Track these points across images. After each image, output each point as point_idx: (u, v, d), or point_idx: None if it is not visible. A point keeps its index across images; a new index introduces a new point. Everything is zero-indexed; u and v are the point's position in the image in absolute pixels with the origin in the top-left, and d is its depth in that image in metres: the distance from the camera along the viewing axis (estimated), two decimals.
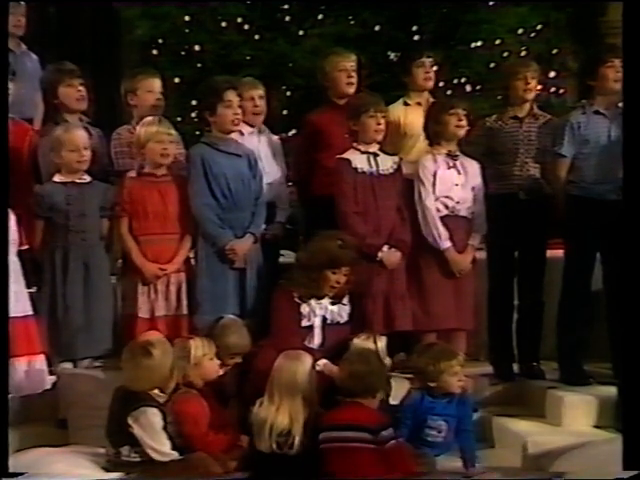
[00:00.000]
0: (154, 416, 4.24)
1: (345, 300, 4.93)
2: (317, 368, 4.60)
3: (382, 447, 4.22)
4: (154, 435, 4.22)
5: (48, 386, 4.61)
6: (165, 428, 4.25)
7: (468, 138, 5.32)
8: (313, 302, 4.86)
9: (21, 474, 4.15)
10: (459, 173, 5.27)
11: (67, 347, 4.89)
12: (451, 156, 5.27)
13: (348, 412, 4.30)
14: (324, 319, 4.87)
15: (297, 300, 4.84)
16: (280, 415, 4.30)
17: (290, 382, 4.35)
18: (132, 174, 5.17)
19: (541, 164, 5.43)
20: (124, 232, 5.07)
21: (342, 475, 4.17)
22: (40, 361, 4.54)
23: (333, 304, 4.90)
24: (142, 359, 4.28)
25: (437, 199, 5.22)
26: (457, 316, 5.20)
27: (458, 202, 5.24)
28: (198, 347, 4.51)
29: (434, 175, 5.22)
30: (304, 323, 4.84)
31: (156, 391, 4.35)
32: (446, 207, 5.23)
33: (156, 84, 5.45)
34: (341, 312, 4.91)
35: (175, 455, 4.24)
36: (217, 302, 5.02)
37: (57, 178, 4.99)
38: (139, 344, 4.39)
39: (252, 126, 5.49)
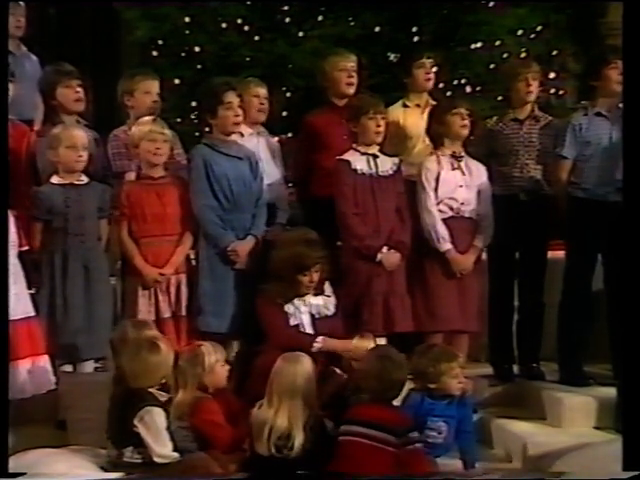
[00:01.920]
0: (159, 416, 4.23)
1: (328, 291, 4.93)
2: (316, 347, 4.69)
3: (401, 450, 4.21)
4: (157, 435, 4.21)
5: (52, 386, 4.60)
6: (168, 428, 4.25)
7: (469, 139, 5.31)
8: (296, 301, 4.86)
9: (21, 474, 4.16)
10: (463, 174, 5.27)
11: (67, 349, 4.87)
12: (455, 157, 5.27)
13: (374, 410, 4.28)
14: (312, 315, 4.87)
15: (282, 303, 4.85)
16: (279, 418, 4.28)
17: (289, 384, 4.33)
18: (130, 177, 5.18)
19: (542, 165, 5.43)
20: (124, 236, 5.06)
21: (353, 470, 4.16)
22: (44, 361, 4.54)
23: (316, 295, 4.90)
24: (149, 354, 4.27)
25: (441, 201, 5.22)
26: (462, 318, 5.20)
27: (462, 203, 5.24)
28: (210, 353, 4.52)
29: (437, 177, 5.22)
30: (292, 322, 4.84)
31: (158, 392, 4.35)
32: (451, 208, 5.23)
33: (154, 85, 5.44)
34: (327, 304, 4.92)
35: (176, 457, 4.24)
36: (218, 303, 5.03)
37: (55, 180, 4.97)
38: (145, 339, 4.36)
39: (254, 124, 5.49)
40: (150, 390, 4.30)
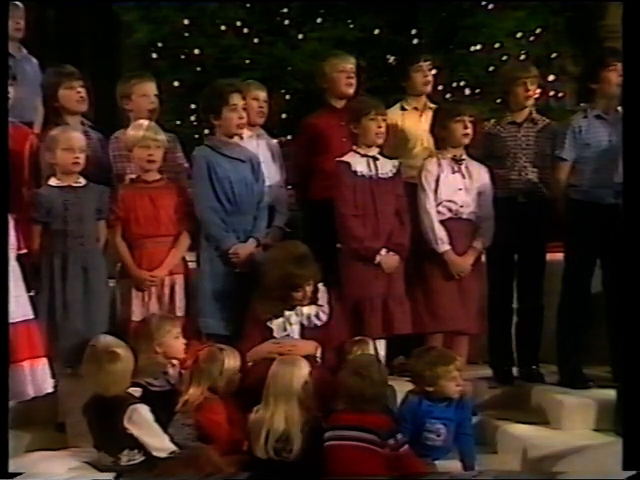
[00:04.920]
0: (145, 411, 4.28)
1: (322, 300, 4.91)
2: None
3: (393, 453, 4.21)
4: (150, 430, 4.26)
5: (50, 389, 4.61)
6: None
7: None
8: (287, 312, 4.86)
9: (21, 474, 4.17)
10: (464, 177, 5.27)
11: (66, 351, 4.87)
12: (456, 160, 5.28)
13: (351, 416, 4.28)
14: (302, 325, 4.87)
15: (265, 317, 4.83)
16: (276, 421, 4.28)
17: (285, 387, 4.34)
18: (127, 179, 5.18)
19: (540, 168, 5.43)
20: (118, 240, 5.06)
21: (345, 473, 4.17)
22: (42, 365, 4.54)
23: (309, 304, 4.88)
24: (111, 365, 4.31)
25: (440, 203, 5.23)
26: (463, 319, 5.20)
27: (462, 206, 5.25)
28: (230, 359, 4.57)
29: (437, 179, 5.23)
30: (279, 334, 4.83)
31: (132, 389, 4.40)
32: (450, 210, 5.25)
33: (150, 88, 5.43)
34: (319, 314, 4.89)
35: (174, 448, 4.28)
36: (219, 305, 5.03)
37: (53, 182, 4.95)
38: (101, 350, 4.39)
39: (253, 126, 5.49)
40: (126, 391, 4.36)
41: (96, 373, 4.34)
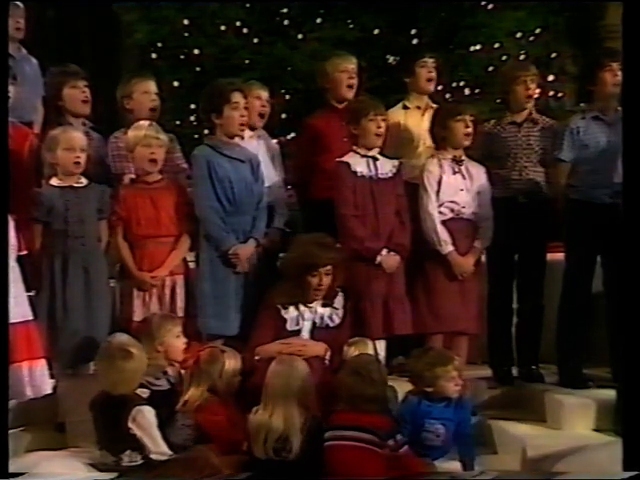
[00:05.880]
0: (150, 413, 4.28)
1: (338, 303, 4.92)
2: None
3: (392, 454, 4.22)
4: (151, 432, 4.26)
5: (49, 391, 4.61)
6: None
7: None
8: (302, 307, 4.87)
9: (21, 474, 4.17)
10: (464, 178, 5.27)
11: (66, 352, 4.88)
12: (457, 161, 5.28)
13: (351, 416, 4.28)
14: (314, 323, 4.87)
15: (280, 307, 4.84)
16: (275, 421, 4.27)
17: (283, 387, 4.33)
18: (126, 181, 5.19)
19: (540, 168, 5.43)
20: (120, 241, 5.07)
21: (345, 474, 4.17)
22: (41, 366, 4.54)
23: (324, 306, 4.89)
24: (123, 362, 4.31)
25: (442, 204, 5.23)
26: (463, 319, 5.20)
27: (463, 206, 5.25)
28: (231, 363, 4.57)
29: (439, 180, 5.23)
30: (291, 327, 4.84)
31: (139, 390, 4.40)
32: (451, 211, 5.25)
33: (151, 86, 5.44)
34: (332, 315, 4.90)
35: (171, 453, 4.28)
36: (219, 306, 5.03)
37: (54, 182, 4.97)
38: (115, 347, 4.40)
39: (253, 129, 5.50)
40: (133, 392, 4.35)
41: (107, 370, 4.34)
